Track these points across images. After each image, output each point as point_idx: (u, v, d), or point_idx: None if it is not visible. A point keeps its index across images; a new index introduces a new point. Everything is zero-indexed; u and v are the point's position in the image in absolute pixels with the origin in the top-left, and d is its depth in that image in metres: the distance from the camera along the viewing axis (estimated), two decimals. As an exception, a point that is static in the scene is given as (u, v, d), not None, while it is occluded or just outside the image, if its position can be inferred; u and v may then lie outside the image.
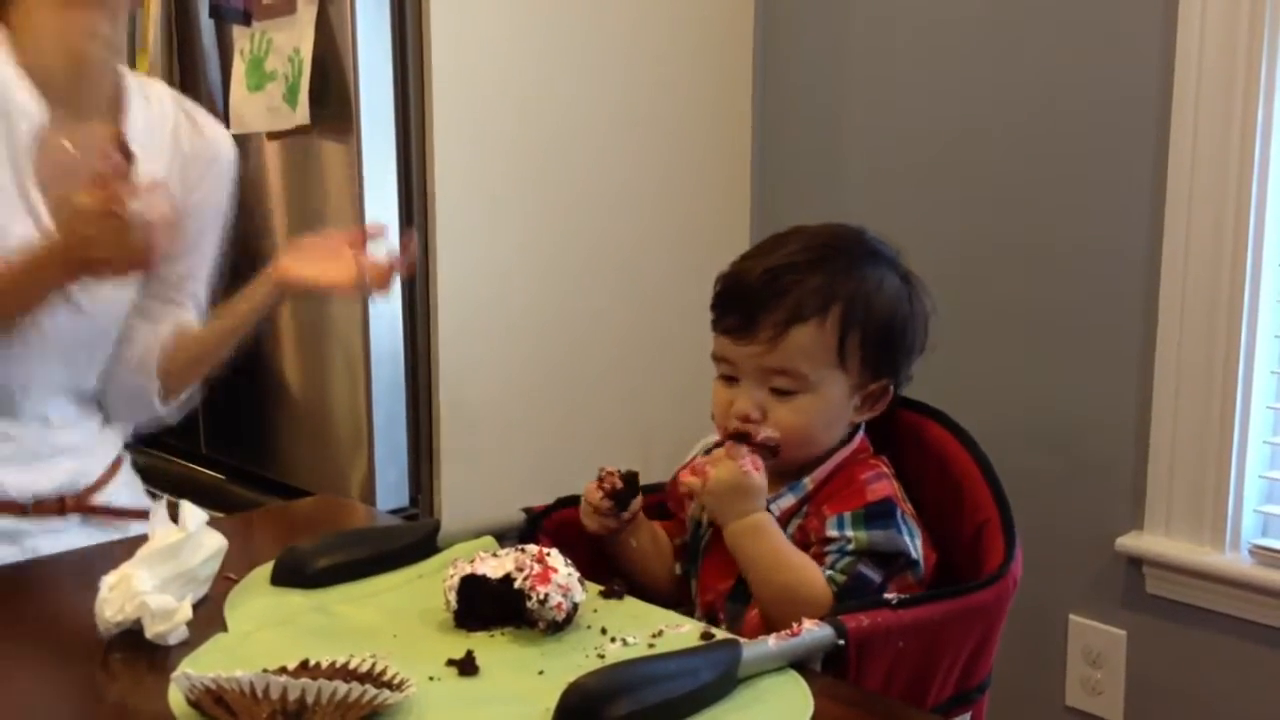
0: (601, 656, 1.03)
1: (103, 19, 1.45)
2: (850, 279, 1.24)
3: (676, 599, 1.29)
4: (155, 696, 0.95)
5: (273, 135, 2.03)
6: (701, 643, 1.04)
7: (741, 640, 1.00)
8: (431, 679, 0.98)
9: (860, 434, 1.29)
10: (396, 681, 0.94)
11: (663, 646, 1.05)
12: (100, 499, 1.52)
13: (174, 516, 1.15)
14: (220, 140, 1.59)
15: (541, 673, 1.00)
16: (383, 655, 0.99)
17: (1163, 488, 1.95)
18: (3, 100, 1.39)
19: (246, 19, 2.00)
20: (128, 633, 1.06)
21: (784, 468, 1.25)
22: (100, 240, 1.28)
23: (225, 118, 2.05)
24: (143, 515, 1.46)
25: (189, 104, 1.59)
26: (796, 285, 1.22)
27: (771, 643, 1.00)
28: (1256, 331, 1.86)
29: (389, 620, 1.11)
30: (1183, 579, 1.95)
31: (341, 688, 0.89)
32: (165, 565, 1.10)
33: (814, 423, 1.24)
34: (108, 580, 1.07)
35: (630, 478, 1.27)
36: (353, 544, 1.24)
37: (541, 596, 1.06)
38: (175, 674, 0.91)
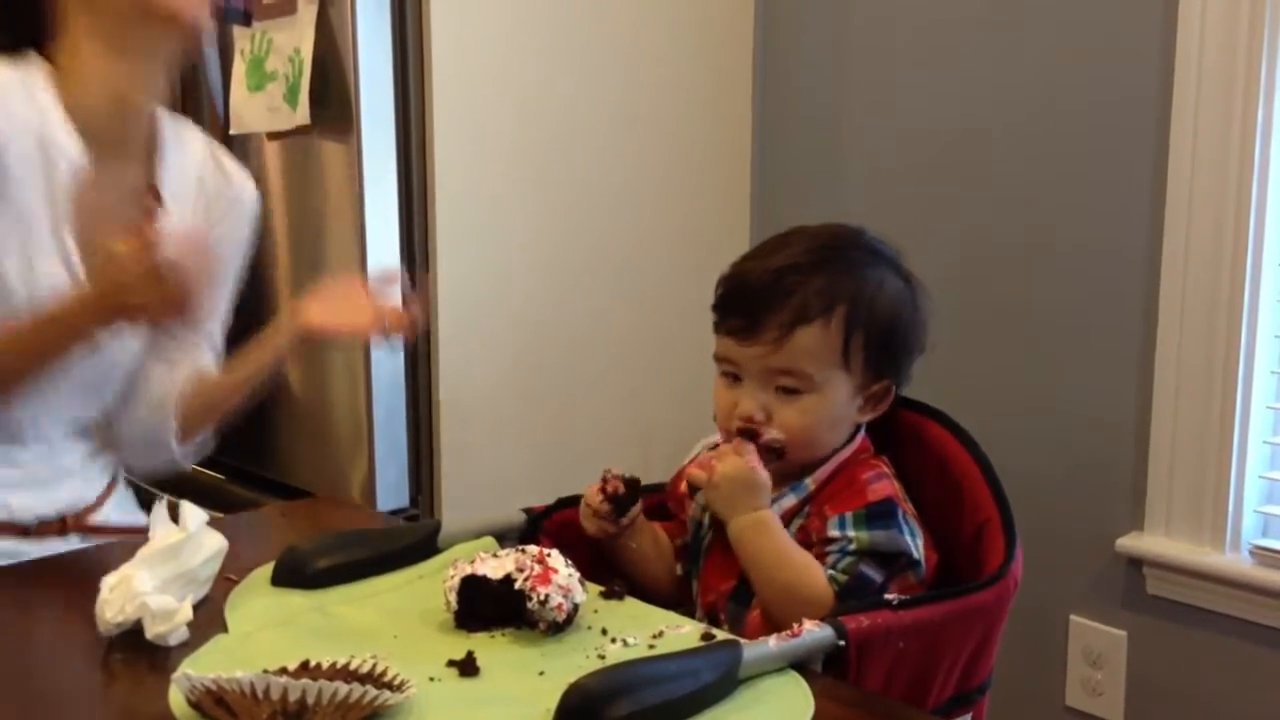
0: (602, 657, 1.03)
1: (154, 69, 1.47)
2: (853, 280, 1.24)
3: (677, 599, 1.30)
4: (156, 697, 0.95)
5: (273, 135, 2.03)
6: (702, 643, 1.04)
7: (742, 641, 1.00)
8: (432, 680, 0.98)
9: (861, 434, 1.29)
10: (397, 682, 0.94)
11: (663, 647, 1.05)
12: (98, 518, 1.54)
13: (174, 517, 1.15)
14: (243, 187, 1.60)
15: (542, 673, 1.00)
16: (383, 656, 0.99)
17: (1163, 488, 1.95)
18: (45, 140, 1.38)
19: (247, 19, 2.00)
20: (128, 633, 1.06)
21: (786, 469, 1.25)
22: (137, 288, 1.30)
23: (225, 118, 2.05)
24: (139, 531, 1.47)
25: (218, 149, 1.60)
26: (800, 286, 1.22)
27: (772, 643, 1.00)
28: (1257, 331, 1.86)
29: (389, 621, 1.11)
30: (1183, 579, 1.95)
31: (342, 688, 0.89)
32: (166, 566, 1.10)
33: (818, 424, 1.24)
34: (108, 581, 1.07)
35: (632, 484, 1.27)
36: (353, 545, 1.24)
37: (542, 597, 1.06)
38: (176, 675, 0.91)
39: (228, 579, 1.18)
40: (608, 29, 2.17)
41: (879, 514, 1.20)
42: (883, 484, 1.23)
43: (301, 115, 1.93)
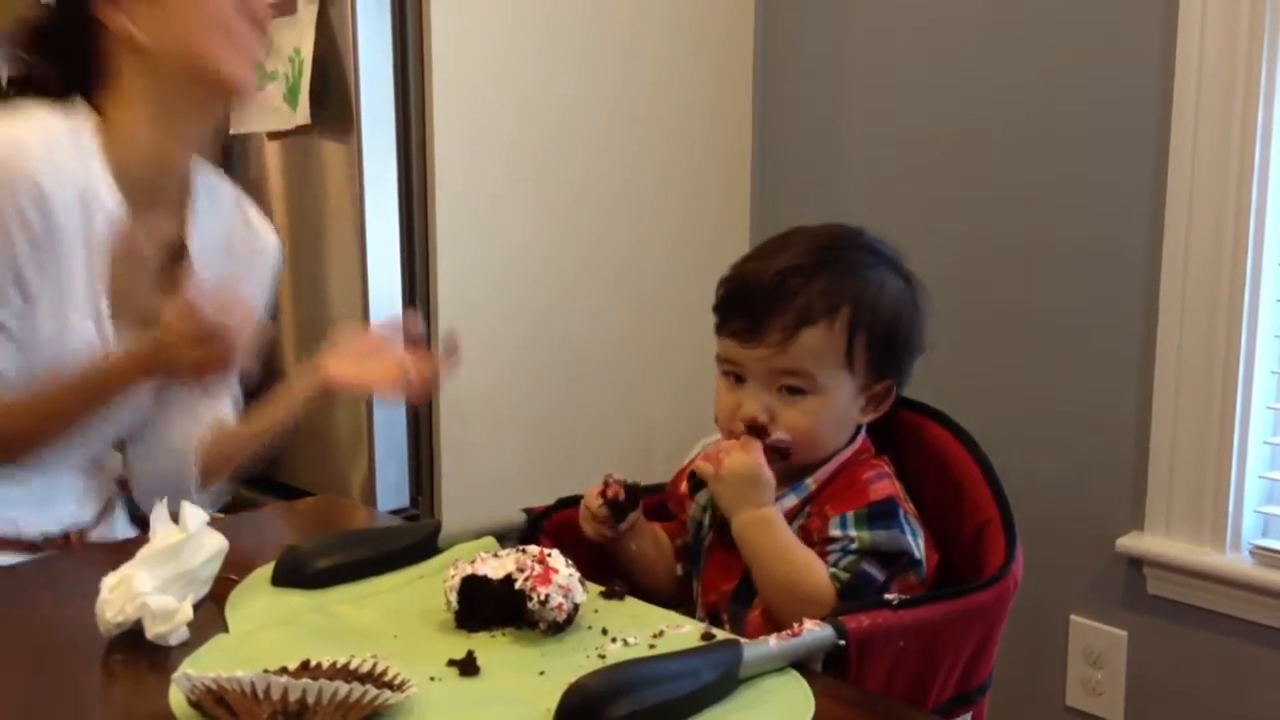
0: (602, 657, 1.03)
1: (198, 127, 1.49)
2: (856, 281, 1.24)
3: (678, 600, 1.29)
4: (156, 697, 0.94)
5: (273, 135, 2.03)
6: (702, 643, 1.04)
7: (742, 640, 1.00)
8: (432, 679, 0.98)
9: (862, 435, 1.29)
10: (397, 682, 0.94)
11: (663, 647, 1.05)
12: (99, 534, 1.54)
13: (175, 517, 1.15)
14: (267, 239, 1.61)
15: (542, 673, 1.00)
16: (383, 655, 0.99)
17: (1163, 488, 1.95)
18: (86, 194, 1.38)
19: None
20: (128, 633, 1.06)
21: (788, 469, 1.25)
22: (184, 348, 1.33)
23: (226, 117, 2.05)
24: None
25: (245, 200, 1.61)
26: (804, 288, 1.22)
27: (772, 643, 1.00)
28: (1257, 332, 1.86)
29: (390, 621, 1.11)
30: (1183, 579, 1.95)
31: (342, 688, 0.89)
32: (166, 566, 1.10)
33: (822, 424, 1.24)
34: (108, 581, 1.07)
35: (632, 490, 1.27)
36: (353, 544, 1.24)
37: (542, 597, 1.06)
38: (176, 674, 0.91)
39: (228, 579, 1.18)
40: (607, 29, 2.17)
41: (880, 514, 1.20)
42: (884, 484, 1.23)
43: (301, 115, 1.93)
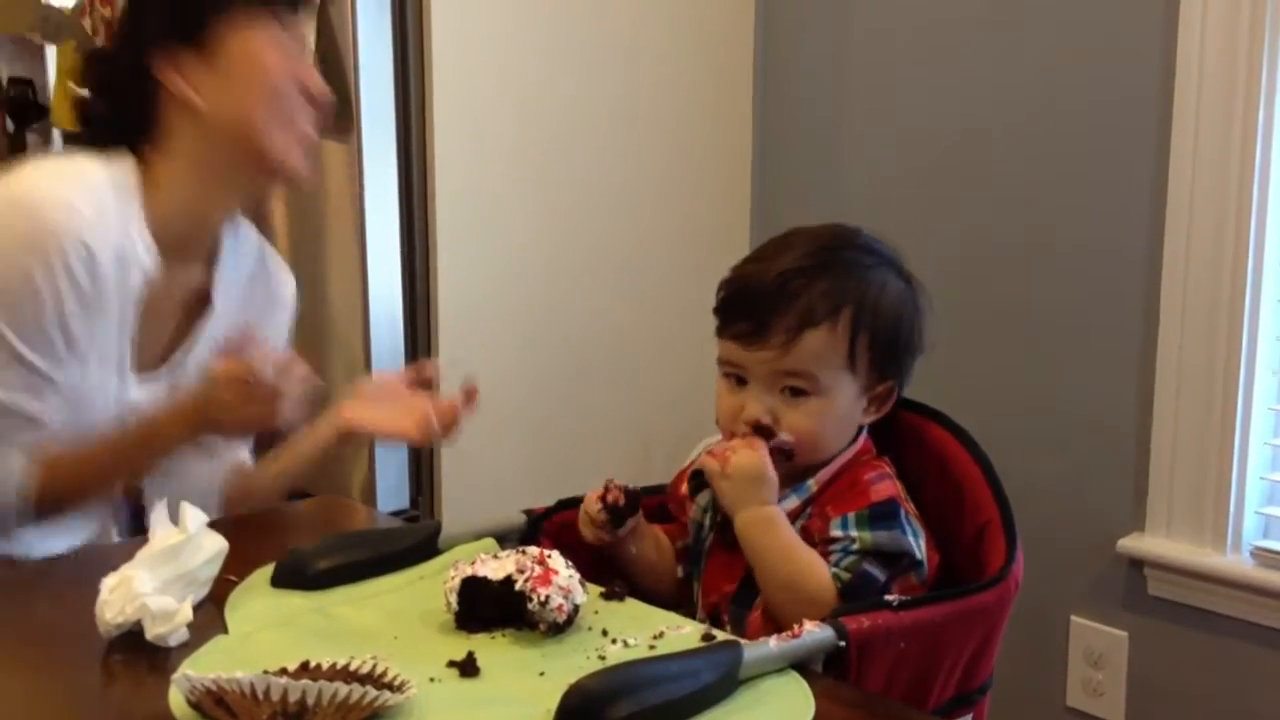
0: (602, 658, 1.03)
1: (240, 198, 1.51)
2: (857, 281, 1.24)
3: (678, 602, 1.29)
4: (156, 698, 0.94)
5: (273, 135, 2.03)
6: (702, 644, 1.04)
7: (742, 641, 1.00)
8: (432, 680, 0.98)
9: (863, 435, 1.28)
10: (397, 683, 0.94)
11: (664, 648, 1.05)
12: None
13: (174, 518, 1.14)
14: (285, 283, 1.63)
15: (542, 674, 1.00)
16: (383, 657, 0.98)
17: (1164, 489, 1.95)
18: (123, 247, 1.38)
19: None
20: (128, 634, 1.06)
21: (791, 470, 1.25)
22: (234, 405, 1.35)
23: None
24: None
25: (267, 246, 1.62)
26: (805, 290, 1.22)
27: (773, 644, 1.00)
28: (1258, 333, 1.86)
29: (390, 622, 1.11)
30: (1184, 580, 1.95)
31: (342, 689, 0.89)
32: (165, 567, 1.10)
33: (826, 425, 1.24)
34: (108, 582, 1.07)
35: (632, 496, 1.27)
36: (353, 546, 1.24)
37: (542, 598, 1.06)
38: (176, 675, 0.91)
39: (228, 580, 1.18)
40: (608, 29, 2.17)
41: (882, 514, 1.20)
42: (885, 484, 1.23)
43: (301, 115, 1.93)
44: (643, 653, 1.03)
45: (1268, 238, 1.83)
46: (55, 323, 1.35)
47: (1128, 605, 2.02)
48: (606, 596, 1.16)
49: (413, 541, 1.26)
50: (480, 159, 2.03)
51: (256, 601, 1.16)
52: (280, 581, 1.19)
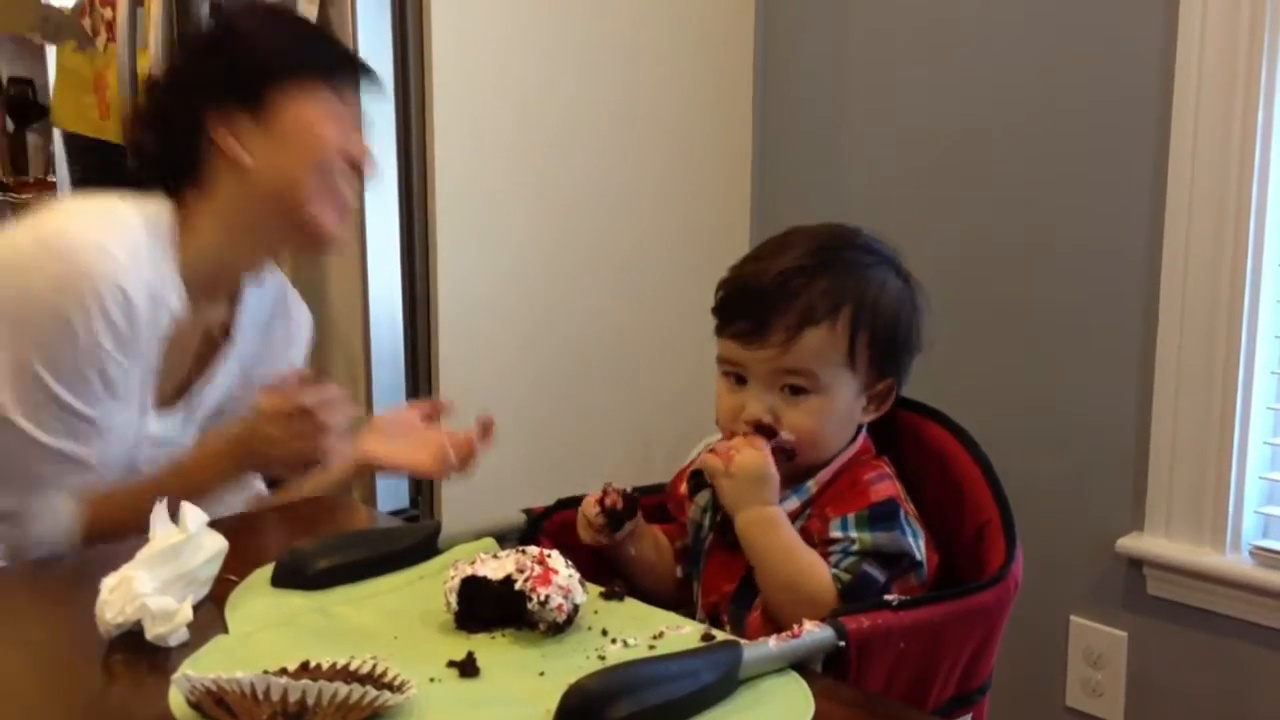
0: (602, 658, 1.03)
1: (271, 255, 1.53)
2: (856, 280, 1.24)
3: (678, 602, 1.29)
4: (156, 698, 0.94)
5: (273, 135, 2.03)
6: (702, 644, 1.04)
7: (742, 641, 1.00)
8: (432, 680, 0.98)
9: (863, 435, 1.29)
10: (397, 683, 0.94)
11: (663, 648, 1.05)
12: None
13: (174, 517, 1.14)
14: (303, 319, 1.65)
15: (542, 674, 1.00)
16: (383, 656, 0.99)
17: (1163, 489, 1.95)
18: (155, 295, 1.39)
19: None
20: (128, 634, 1.06)
21: (791, 471, 1.25)
22: (280, 439, 1.37)
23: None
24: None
25: (289, 287, 1.64)
26: (805, 289, 1.22)
27: (772, 644, 1.00)
28: (1257, 332, 1.86)
29: (389, 622, 1.11)
30: (1183, 580, 1.95)
31: (342, 689, 0.89)
32: (165, 567, 1.10)
33: (826, 424, 1.24)
34: (108, 582, 1.07)
35: (630, 500, 1.27)
36: (353, 545, 1.24)
37: (542, 598, 1.06)
38: (176, 675, 0.91)
39: (228, 580, 1.18)
40: (608, 29, 2.17)
41: (881, 515, 1.20)
42: (885, 484, 1.23)
43: (301, 115, 1.93)
44: (642, 653, 1.03)
45: (1267, 238, 1.83)
46: (94, 367, 1.35)
47: (1127, 605, 2.02)
48: (606, 596, 1.16)
49: (412, 541, 1.26)
50: (480, 159, 2.03)
51: (256, 601, 1.16)
52: (280, 581, 1.19)
